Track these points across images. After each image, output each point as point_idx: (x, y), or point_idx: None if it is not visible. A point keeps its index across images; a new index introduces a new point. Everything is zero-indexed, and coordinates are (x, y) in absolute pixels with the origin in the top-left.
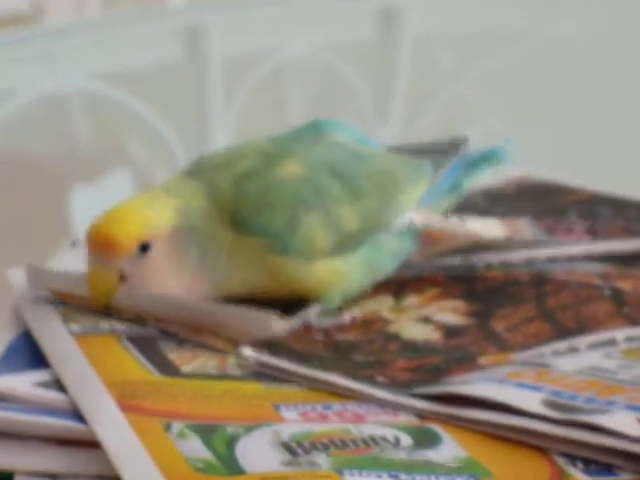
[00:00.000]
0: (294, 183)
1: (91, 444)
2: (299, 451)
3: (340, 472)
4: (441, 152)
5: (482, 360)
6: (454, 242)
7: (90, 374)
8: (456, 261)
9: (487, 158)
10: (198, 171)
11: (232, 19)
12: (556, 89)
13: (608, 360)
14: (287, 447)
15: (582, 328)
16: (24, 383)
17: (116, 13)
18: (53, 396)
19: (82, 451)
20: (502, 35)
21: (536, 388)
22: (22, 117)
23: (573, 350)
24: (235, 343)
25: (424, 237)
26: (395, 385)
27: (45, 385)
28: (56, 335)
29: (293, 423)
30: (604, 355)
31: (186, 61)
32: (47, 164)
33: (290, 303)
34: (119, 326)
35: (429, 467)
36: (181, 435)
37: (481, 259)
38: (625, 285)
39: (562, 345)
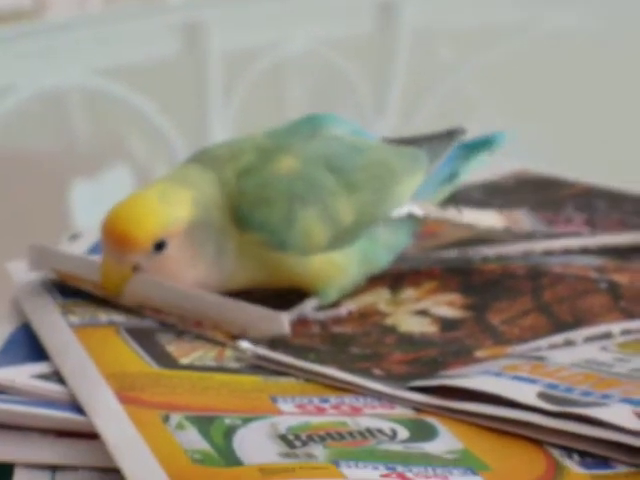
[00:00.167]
0: (290, 178)
1: (90, 436)
2: (296, 443)
3: (337, 464)
4: (437, 142)
5: (478, 353)
6: (451, 235)
7: (89, 366)
8: (453, 254)
9: (484, 145)
10: (204, 162)
11: (231, 14)
12: (555, 83)
13: (604, 353)
14: (284, 439)
15: (578, 321)
16: (23, 375)
17: (116, 9)
18: (52, 388)
19: (81, 443)
20: (501, 29)
21: (532, 381)
22: (22, 112)
23: (569, 343)
24: (233, 336)
25: (421, 230)
26: (392, 378)
27: (44, 377)
28: (55, 327)
29: (290, 415)
30: (600, 348)
31: (186, 56)
32: (47, 159)
33: (284, 296)
34: (118, 318)
35: (425, 459)
36: (179, 426)
37: (478, 252)
38: (621, 278)
39: (558, 338)
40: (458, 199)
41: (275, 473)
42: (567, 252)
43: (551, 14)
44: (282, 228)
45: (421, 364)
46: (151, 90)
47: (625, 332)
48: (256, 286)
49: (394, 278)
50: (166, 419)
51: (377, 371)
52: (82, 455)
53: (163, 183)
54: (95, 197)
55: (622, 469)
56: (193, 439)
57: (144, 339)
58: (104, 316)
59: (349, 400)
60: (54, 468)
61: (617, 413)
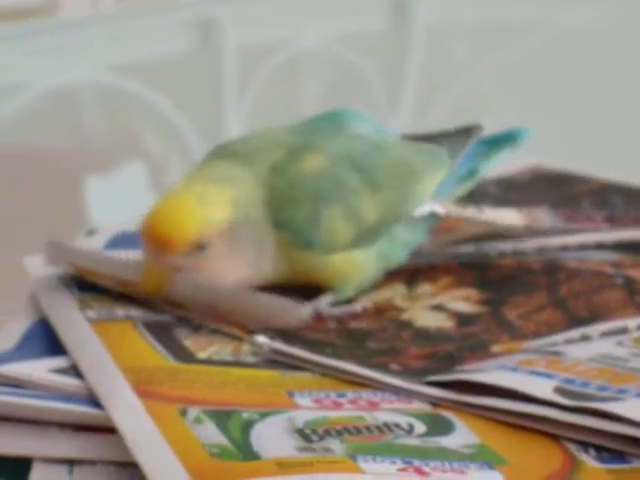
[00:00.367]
0: (316, 178)
1: (107, 430)
2: (313, 437)
3: (354, 458)
4: (456, 139)
5: (495, 348)
6: (468, 230)
7: (106, 360)
8: (469, 249)
9: (505, 141)
10: (233, 158)
11: (245, 10)
12: (570, 80)
13: (620, 348)
14: (301, 433)
15: (594, 316)
16: (41, 369)
17: (129, 5)
18: (70, 382)
19: (99, 437)
20: (516, 26)
21: (548, 375)
22: (35, 110)
23: (585, 338)
24: (250, 331)
25: (438, 225)
26: (408, 373)
27: (62, 371)
28: (73, 322)
29: (307, 410)
30: (616, 343)
31: (199, 53)
32: (61, 156)
33: (297, 291)
34: (135, 312)
35: (442, 453)
36: (197, 421)
37: (494, 247)
38: (637, 274)
39: (574, 333)
40: (474, 194)
41: (292, 467)
42: (583, 247)
43: (566, 12)
44: (308, 227)
45: (437, 359)
46: (165, 86)
47: None
48: (279, 282)
49: (410, 273)
50: (184, 413)
51: (394, 366)
52: (100, 449)
53: (199, 182)
54: (110, 193)
55: (638, 463)
56: (211, 433)
57: (161, 333)
58: (121, 311)
59: (366, 395)
60: (72, 462)
61: (633, 407)
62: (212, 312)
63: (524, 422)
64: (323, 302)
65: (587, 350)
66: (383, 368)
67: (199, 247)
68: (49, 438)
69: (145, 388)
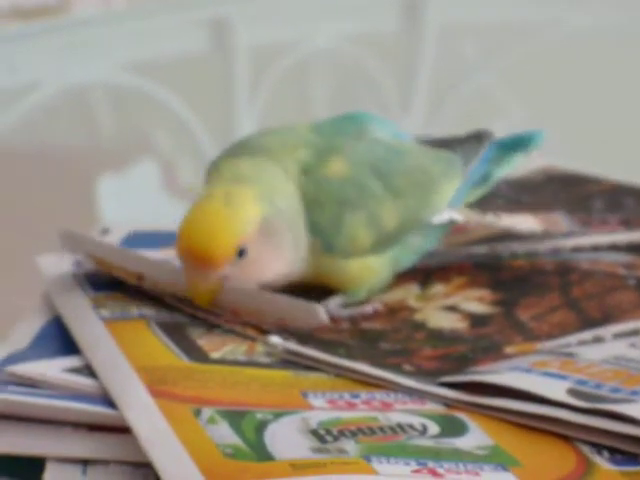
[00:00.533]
0: (340, 182)
1: (121, 429)
2: (327, 438)
3: (368, 459)
4: (469, 145)
5: (508, 349)
6: (480, 231)
7: (120, 359)
8: (482, 250)
9: (519, 144)
10: (254, 154)
11: (257, 10)
12: (581, 81)
13: (633, 350)
14: (315, 434)
15: (607, 318)
16: (55, 369)
17: (142, 5)
18: (83, 382)
19: (112, 437)
20: (527, 27)
21: (562, 377)
22: (49, 108)
23: (598, 340)
24: (263, 331)
25: (452, 228)
26: (422, 373)
27: (76, 371)
28: (86, 321)
29: (321, 410)
30: (629, 345)
31: (212, 52)
32: (74, 155)
33: (307, 292)
34: (149, 312)
35: (457, 455)
36: (211, 421)
37: (507, 248)
38: None
39: (587, 334)
40: (488, 196)
41: (306, 468)
42: (596, 249)
43: (577, 13)
44: (330, 231)
45: (451, 360)
46: (177, 86)
47: None
48: (299, 282)
49: (424, 274)
50: (197, 413)
51: (407, 367)
52: (113, 449)
53: (222, 186)
54: (122, 192)
55: None
56: (224, 433)
57: (175, 333)
58: (135, 310)
59: (380, 395)
60: (85, 462)
61: None
62: (232, 313)
63: (537, 423)
64: (333, 303)
65: (600, 351)
66: (396, 369)
67: (241, 253)
68: (63, 438)
69: (159, 388)
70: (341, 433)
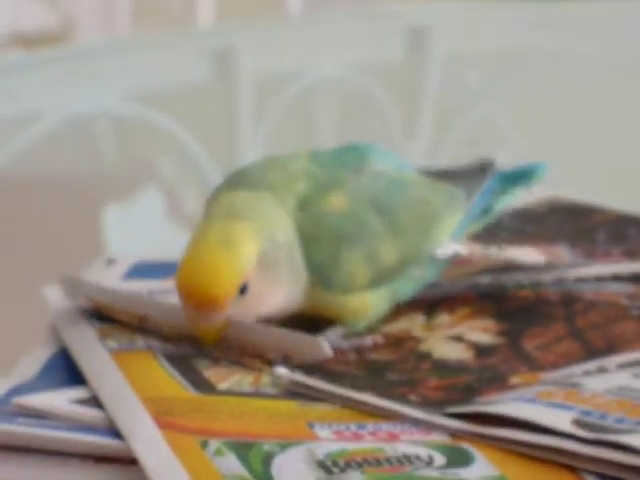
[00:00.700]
0: (339, 218)
1: (128, 461)
2: (334, 469)
3: None
4: (472, 177)
5: (513, 380)
6: (485, 262)
7: (127, 391)
8: (487, 280)
9: (521, 177)
10: (255, 185)
11: (262, 40)
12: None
13: (637, 380)
14: (322, 465)
15: (611, 348)
16: (61, 400)
17: (145, 31)
18: (90, 413)
19: (119, 468)
20: (532, 56)
21: (567, 407)
22: (54, 138)
23: (602, 370)
24: (270, 362)
25: (455, 260)
26: (428, 404)
27: (82, 402)
28: (92, 352)
29: (327, 441)
30: (633, 375)
31: (216, 81)
32: (79, 184)
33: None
34: (155, 343)
35: None
36: (218, 452)
37: (511, 278)
38: None
39: (591, 365)
40: (492, 226)
41: None
42: (599, 279)
43: (582, 43)
44: (327, 267)
45: (457, 390)
46: (182, 115)
47: None
48: (298, 314)
49: (429, 304)
50: (204, 445)
51: (413, 397)
52: None
53: (218, 222)
54: (127, 221)
55: None
56: (232, 465)
57: (181, 364)
58: (141, 341)
59: (386, 426)
60: None
61: None
62: (238, 348)
63: (543, 454)
64: (333, 335)
65: (604, 382)
66: (402, 399)
67: (242, 290)
68: (70, 469)
69: (165, 419)
70: (347, 464)
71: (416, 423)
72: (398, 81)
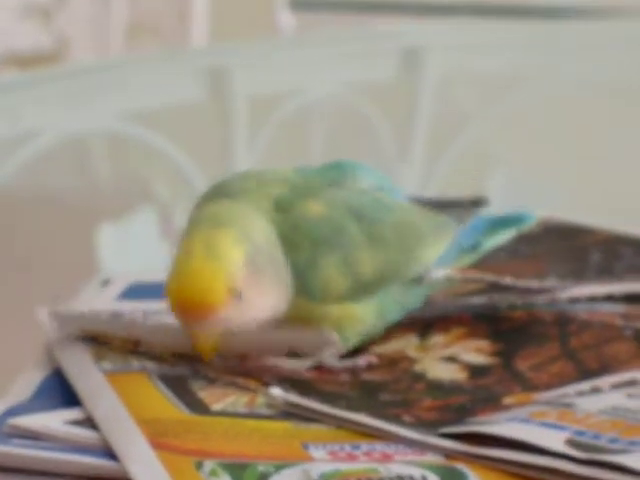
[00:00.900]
0: (316, 223)
1: None
2: None
3: None
4: (463, 208)
5: (507, 400)
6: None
7: (121, 412)
8: (481, 301)
9: (510, 222)
10: (234, 195)
11: (255, 59)
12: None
13: (631, 400)
14: None
15: (604, 368)
16: (56, 421)
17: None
18: (85, 434)
19: None
20: (526, 77)
21: (560, 427)
22: (47, 157)
23: (596, 390)
24: (264, 383)
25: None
26: (422, 424)
27: (77, 423)
28: (87, 373)
29: (322, 462)
30: (626, 395)
31: (210, 101)
32: (73, 203)
33: None
34: (150, 364)
35: None
36: (213, 473)
37: (505, 299)
38: None
39: (585, 385)
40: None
41: None
42: (593, 299)
43: (573, 64)
44: (308, 274)
45: (451, 411)
46: (176, 134)
47: None
48: (281, 322)
49: (423, 324)
50: (199, 466)
51: (407, 417)
52: None
53: (199, 233)
54: (121, 240)
55: None
56: None
57: (176, 385)
58: (136, 362)
59: (380, 447)
60: None
61: None
62: (240, 358)
63: (536, 474)
64: (326, 354)
65: (598, 402)
66: (396, 420)
67: (236, 297)
68: None
69: (160, 440)
70: None
71: (410, 443)
72: (392, 101)
